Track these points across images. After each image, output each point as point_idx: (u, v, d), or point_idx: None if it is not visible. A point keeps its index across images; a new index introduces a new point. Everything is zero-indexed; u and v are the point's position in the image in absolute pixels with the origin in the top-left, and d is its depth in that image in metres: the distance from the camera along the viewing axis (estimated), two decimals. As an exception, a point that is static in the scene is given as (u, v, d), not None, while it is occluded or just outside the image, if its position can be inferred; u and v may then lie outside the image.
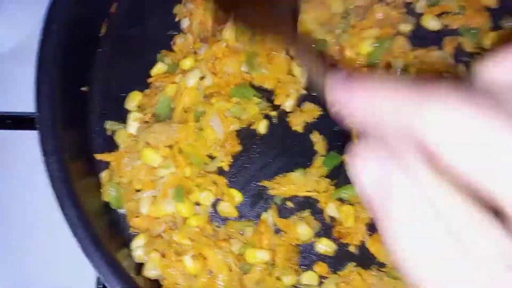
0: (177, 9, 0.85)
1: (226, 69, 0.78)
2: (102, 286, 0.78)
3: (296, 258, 0.74)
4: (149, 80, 0.81)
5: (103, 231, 0.68)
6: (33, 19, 0.92)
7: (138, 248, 0.73)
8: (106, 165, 0.78)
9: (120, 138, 0.79)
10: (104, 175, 0.77)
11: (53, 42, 0.72)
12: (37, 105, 0.68)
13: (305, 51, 0.57)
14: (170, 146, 0.75)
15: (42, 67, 0.70)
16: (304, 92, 0.81)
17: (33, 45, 0.91)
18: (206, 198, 0.74)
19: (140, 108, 0.81)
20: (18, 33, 0.95)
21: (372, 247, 0.74)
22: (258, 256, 0.71)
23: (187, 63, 0.79)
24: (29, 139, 0.83)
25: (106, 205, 0.77)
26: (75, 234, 0.62)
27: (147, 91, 0.81)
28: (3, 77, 0.92)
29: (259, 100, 0.79)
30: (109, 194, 0.76)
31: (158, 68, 0.82)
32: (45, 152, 0.66)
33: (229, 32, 0.79)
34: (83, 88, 0.81)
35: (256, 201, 0.77)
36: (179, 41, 0.83)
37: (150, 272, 0.70)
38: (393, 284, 0.70)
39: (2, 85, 0.91)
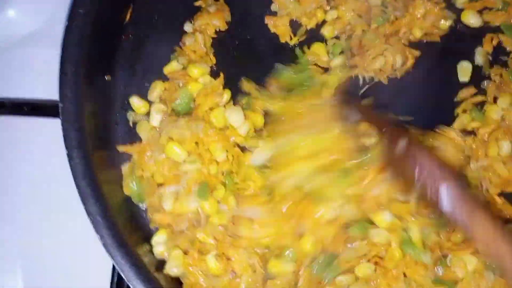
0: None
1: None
2: (117, 275, 0.77)
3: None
4: (166, 74, 0.79)
5: (124, 227, 0.67)
6: (53, 3, 0.90)
7: (159, 244, 0.71)
8: (128, 157, 0.76)
9: (142, 130, 0.77)
10: (125, 167, 0.75)
11: (79, 27, 0.70)
12: (61, 95, 0.66)
13: None
14: (197, 143, 0.73)
15: (67, 54, 0.68)
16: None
17: (53, 30, 0.89)
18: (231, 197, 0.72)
19: (162, 100, 0.78)
20: (38, 17, 0.92)
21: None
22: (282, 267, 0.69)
23: (194, 71, 0.77)
24: (45, 126, 0.83)
25: (127, 198, 0.75)
26: (98, 232, 0.61)
27: (167, 83, 0.78)
28: (22, 62, 0.90)
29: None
30: (130, 187, 0.74)
31: (172, 66, 0.79)
32: (68, 146, 0.64)
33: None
34: (107, 77, 0.78)
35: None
36: (188, 42, 0.80)
37: (172, 270, 0.68)
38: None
39: (21, 70, 0.89)
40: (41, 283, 0.80)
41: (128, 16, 0.82)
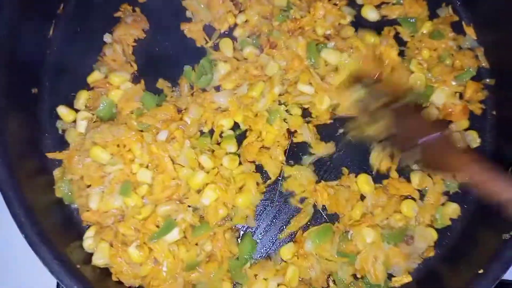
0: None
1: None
2: None
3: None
4: (89, 83, 0.86)
5: (54, 227, 0.73)
6: None
7: (89, 238, 0.78)
8: (59, 163, 0.83)
9: (70, 137, 0.83)
10: (56, 172, 0.82)
11: (2, 41, 0.75)
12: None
13: None
14: (118, 145, 0.79)
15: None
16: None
17: None
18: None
19: (87, 108, 0.85)
20: None
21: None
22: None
23: (115, 79, 0.84)
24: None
25: (60, 201, 0.81)
26: (23, 231, 0.67)
27: (91, 92, 0.85)
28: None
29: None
30: (61, 190, 0.80)
31: (94, 76, 0.86)
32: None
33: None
34: (33, 90, 0.84)
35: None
36: (108, 52, 0.87)
37: (98, 260, 0.75)
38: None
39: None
40: None
41: (51, 31, 0.88)
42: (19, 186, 0.71)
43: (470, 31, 0.91)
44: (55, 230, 0.74)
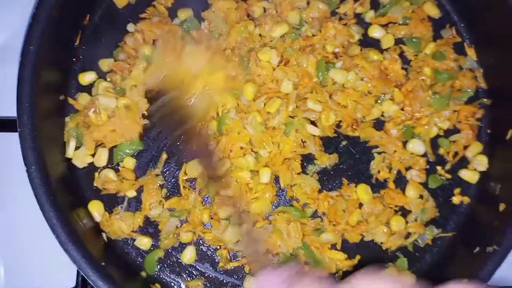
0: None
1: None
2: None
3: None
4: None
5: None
6: (17, 18, 0.97)
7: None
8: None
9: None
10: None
11: (33, 56, 0.81)
12: (18, 119, 0.79)
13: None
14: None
15: (23, 84, 0.80)
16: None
17: (15, 46, 0.98)
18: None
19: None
20: (2, 33, 1.00)
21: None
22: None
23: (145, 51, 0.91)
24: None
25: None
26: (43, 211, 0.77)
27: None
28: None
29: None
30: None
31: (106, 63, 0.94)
32: (27, 163, 0.77)
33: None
34: (61, 97, 0.91)
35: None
36: (129, 41, 0.93)
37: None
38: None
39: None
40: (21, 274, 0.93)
41: (78, 40, 0.94)
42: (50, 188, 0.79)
43: (471, 52, 0.97)
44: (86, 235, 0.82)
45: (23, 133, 0.78)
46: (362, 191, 0.90)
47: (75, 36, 0.93)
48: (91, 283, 0.75)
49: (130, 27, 0.94)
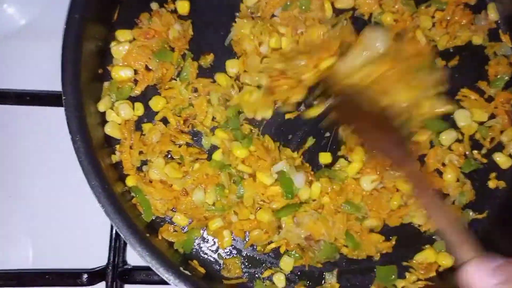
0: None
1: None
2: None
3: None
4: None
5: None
6: None
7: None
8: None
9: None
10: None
11: (75, 31, 0.80)
12: (63, 89, 0.78)
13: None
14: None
15: (66, 54, 0.78)
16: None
17: (45, 22, 0.98)
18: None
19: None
20: (30, 9, 1.01)
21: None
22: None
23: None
24: (46, 113, 0.94)
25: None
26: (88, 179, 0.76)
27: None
28: (17, 54, 0.98)
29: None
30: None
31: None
32: (71, 131, 0.76)
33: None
34: (100, 70, 0.89)
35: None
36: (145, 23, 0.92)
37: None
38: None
39: (17, 62, 0.97)
40: (49, 251, 0.93)
41: (115, 16, 0.93)
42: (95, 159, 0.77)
43: (506, 38, 0.98)
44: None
45: (68, 102, 0.77)
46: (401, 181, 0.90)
47: (114, 11, 0.92)
48: (136, 253, 0.73)
49: (154, 5, 0.93)
